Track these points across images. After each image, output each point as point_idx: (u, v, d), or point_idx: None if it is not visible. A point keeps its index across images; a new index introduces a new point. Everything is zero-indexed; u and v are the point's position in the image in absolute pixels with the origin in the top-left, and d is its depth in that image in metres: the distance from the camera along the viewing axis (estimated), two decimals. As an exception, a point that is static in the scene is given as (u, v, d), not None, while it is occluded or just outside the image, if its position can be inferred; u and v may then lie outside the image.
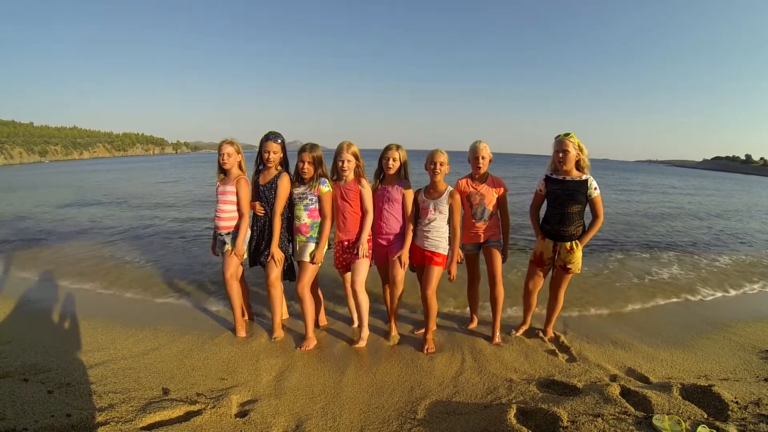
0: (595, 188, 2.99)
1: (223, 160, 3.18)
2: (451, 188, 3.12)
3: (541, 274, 3.31)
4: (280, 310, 3.37)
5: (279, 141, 3.15)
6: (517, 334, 3.50)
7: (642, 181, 29.78)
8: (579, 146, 2.97)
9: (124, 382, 2.54)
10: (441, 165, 3.06)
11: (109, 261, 5.75)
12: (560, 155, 2.99)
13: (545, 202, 3.23)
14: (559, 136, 3.02)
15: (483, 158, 3.19)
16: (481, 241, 3.28)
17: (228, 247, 3.22)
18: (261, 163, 3.20)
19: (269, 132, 3.15)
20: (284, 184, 3.11)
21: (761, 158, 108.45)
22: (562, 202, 3.04)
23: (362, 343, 3.26)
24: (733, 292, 4.94)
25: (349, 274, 3.31)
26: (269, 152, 3.11)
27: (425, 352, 3.16)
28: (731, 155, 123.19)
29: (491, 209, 3.23)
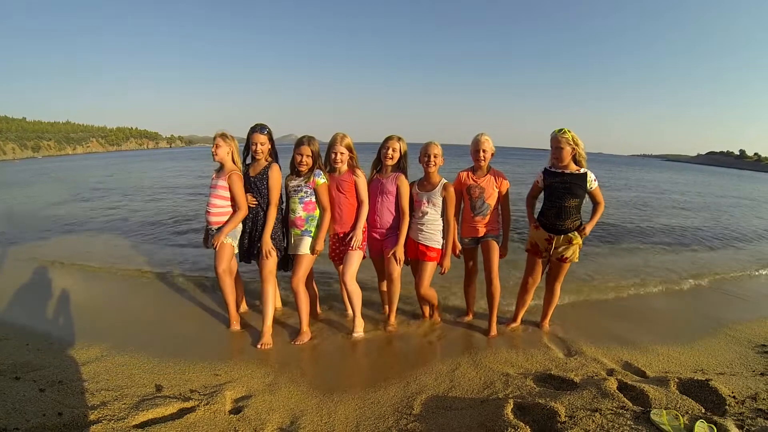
0: (594, 180, 3.01)
1: (212, 151, 3.15)
2: (445, 181, 3.10)
3: (539, 266, 3.29)
4: (272, 309, 3.24)
5: (265, 132, 3.13)
6: (507, 329, 3.50)
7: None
8: (574, 140, 2.96)
9: (116, 379, 2.50)
10: (435, 157, 3.05)
11: (101, 257, 5.67)
12: (555, 152, 3.00)
13: (543, 195, 3.22)
14: (553, 132, 3.02)
15: (484, 151, 3.16)
16: (480, 235, 3.25)
17: (215, 243, 3.17)
18: (249, 155, 3.19)
19: (255, 124, 3.15)
20: (275, 174, 3.09)
21: (755, 154, 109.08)
22: (560, 195, 3.03)
23: (357, 335, 3.24)
24: (728, 286, 4.95)
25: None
26: (256, 144, 3.10)
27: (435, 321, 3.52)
28: (725, 150, 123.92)
29: (491, 203, 3.21)
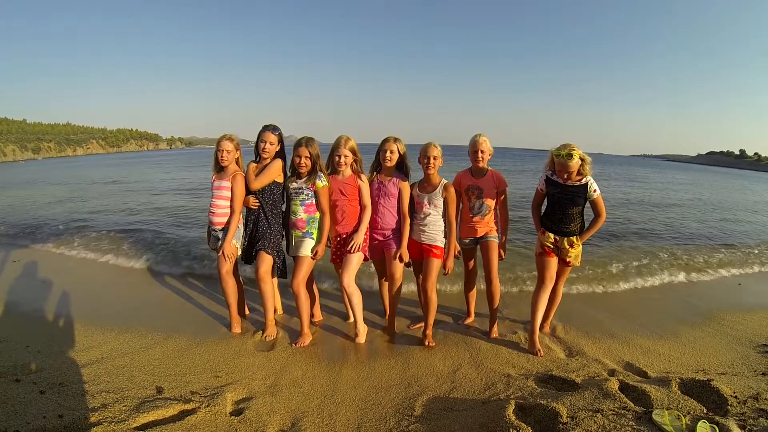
0: (595, 190, 2.91)
1: (221, 157, 3.12)
2: (446, 181, 3.09)
3: (553, 265, 3.13)
4: (272, 305, 3.32)
5: (277, 133, 3.12)
6: (539, 348, 3.10)
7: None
8: (581, 158, 2.84)
9: (117, 381, 2.50)
10: (434, 159, 3.04)
11: (102, 258, 5.68)
12: (564, 176, 2.90)
13: (546, 200, 3.18)
14: (560, 155, 2.83)
15: (482, 152, 3.16)
16: (478, 235, 3.25)
17: (221, 243, 3.18)
18: (258, 155, 3.17)
19: (268, 123, 3.14)
20: (276, 165, 3.09)
21: (755, 153, 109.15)
22: (562, 205, 3.00)
23: (360, 339, 3.23)
24: (730, 286, 4.95)
25: None
26: (266, 142, 3.08)
27: (426, 344, 3.16)
28: (725, 150, 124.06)
29: (489, 204, 3.20)
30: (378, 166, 3.18)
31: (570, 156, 2.81)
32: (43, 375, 2.53)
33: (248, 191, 3.17)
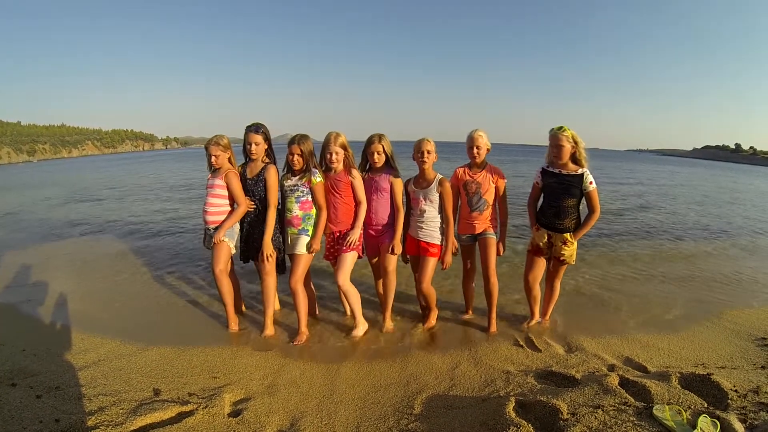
0: (591, 182, 2.93)
1: (213, 162, 3.13)
2: (441, 176, 3.08)
3: (540, 263, 3.28)
4: (273, 305, 3.31)
5: (261, 131, 3.10)
6: (529, 325, 3.45)
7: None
8: (574, 139, 2.91)
9: (114, 384, 2.48)
10: (428, 153, 3.02)
11: (98, 259, 5.64)
12: (554, 150, 2.95)
13: (542, 194, 3.19)
14: (552, 129, 2.96)
15: (479, 147, 3.16)
16: (477, 232, 3.24)
17: (216, 240, 3.16)
18: (246, 156, 3.16)
19: (250, 124, 3.12)
20: (273, 176, 3.07)
21: (751, 147, 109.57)
22: (557, 195, 3.01)
23: (359, 332, 3.25)
24: (725, 280, 4.95)
25: None
26: (251, 143, 3.07)
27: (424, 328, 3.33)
28: (721, 144, 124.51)
29: (488, 199, 3.19)
30: (367, 166, 3.18)
31: (561, 128, 2.91)
32: (40, 379, 2.51)
33: (245, 191, 3.16)
